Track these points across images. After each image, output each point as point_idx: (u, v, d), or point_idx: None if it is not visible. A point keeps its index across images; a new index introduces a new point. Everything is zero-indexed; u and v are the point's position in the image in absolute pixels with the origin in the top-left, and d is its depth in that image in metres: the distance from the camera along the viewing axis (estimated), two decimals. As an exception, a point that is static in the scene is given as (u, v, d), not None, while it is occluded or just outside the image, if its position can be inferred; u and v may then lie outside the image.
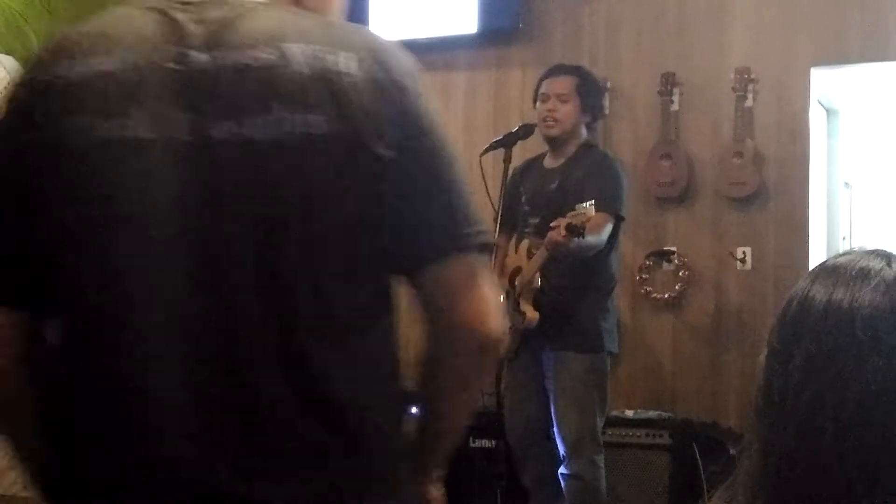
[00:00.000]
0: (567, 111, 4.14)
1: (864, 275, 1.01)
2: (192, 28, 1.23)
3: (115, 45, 1.25)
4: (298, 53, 1.21)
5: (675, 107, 5.03)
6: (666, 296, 5.06)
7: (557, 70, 4.28)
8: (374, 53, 1.25)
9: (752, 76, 4.88)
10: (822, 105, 5.41)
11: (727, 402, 4.89)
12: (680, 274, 5.03)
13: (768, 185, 4.90)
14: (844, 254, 1.06)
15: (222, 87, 1.20)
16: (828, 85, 5.15)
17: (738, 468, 1.04)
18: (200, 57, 1.21)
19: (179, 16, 1.25)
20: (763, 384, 1.02)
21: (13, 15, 5.77)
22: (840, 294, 1.00)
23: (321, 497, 1.21)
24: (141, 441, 1.20)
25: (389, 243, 1.24)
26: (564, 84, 4.17)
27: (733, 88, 4.89)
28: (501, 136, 4.09)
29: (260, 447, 1.20)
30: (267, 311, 1.19)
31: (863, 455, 0.95)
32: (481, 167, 4.00)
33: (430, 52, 5.58)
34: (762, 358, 1.04)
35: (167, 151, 1.19)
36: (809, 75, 4.86)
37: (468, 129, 5.48)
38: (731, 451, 4.30)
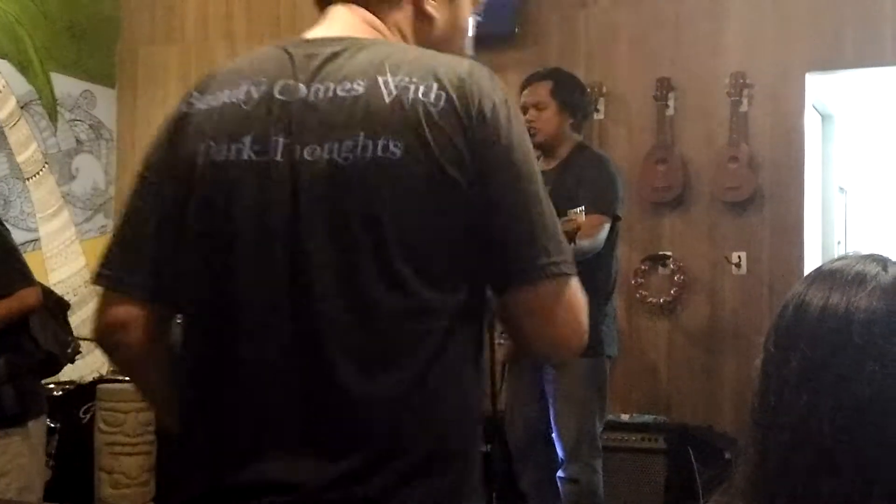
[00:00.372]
0: (546, 118, 4.14)
1: (860, 279, 1.01)
2: (303, 63, 1.40)
3: (244, 80, 1.42)
4: (389, 85, 1.34)
5: (670, 111, 5.04)
6: (661, 300, 5.06)
7: (532, 78, 4.26)
8: (462, 83, 1.34)
9: (748, 81, 4.89)
10: (816, 110, 5.42)
11: (722, 407, 4.90)
12: (675, 278, 5.04)
13: (763, 189, 4.91)
14: (840, 258, 1.07)
15: (317, 116, 1.35)
16: (823, 90, 5.17)
17: (735, 472, 1.04)
18: (303, 88, 1.37)
19: (297, 52, 1.42)
20: (759, 389, 1.02)
21: (8, 19, 5.76)
22: (836, 298, 1.00)
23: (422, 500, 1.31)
24: (243, 431, 1.36)
25: (473, 266, 1.34)
26: (539, 91, 4.17)
27: (728, 93, 4.90)
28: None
29: (344, 445, 1.30)
30: (349, 320, 1.31)
31: (859, 459, 0.95)
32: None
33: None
34: (758, 362, 1.04)
35: (268, 172, 1.35)
36: (804, 80, 4.87)
37: (464, 134, 5.49)
38: (727, 456, 4.30)
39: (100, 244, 6.29)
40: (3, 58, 5.72)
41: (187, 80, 6.30)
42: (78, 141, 6.21)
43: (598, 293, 3.98)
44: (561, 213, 3.72)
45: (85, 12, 6.26)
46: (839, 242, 6.06)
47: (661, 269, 5.09)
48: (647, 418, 4.67)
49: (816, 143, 5.45)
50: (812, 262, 4.98)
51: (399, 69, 1.35)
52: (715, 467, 4.34)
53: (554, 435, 4.03)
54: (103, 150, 6.38)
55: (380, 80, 1.34)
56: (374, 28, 1.47)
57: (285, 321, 1.33)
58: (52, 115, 6.02)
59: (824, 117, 5.70)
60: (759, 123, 4.92)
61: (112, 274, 1.46)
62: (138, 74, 6.43)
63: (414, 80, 1.33)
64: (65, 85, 6.10)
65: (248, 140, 1.36)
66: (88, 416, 4.65)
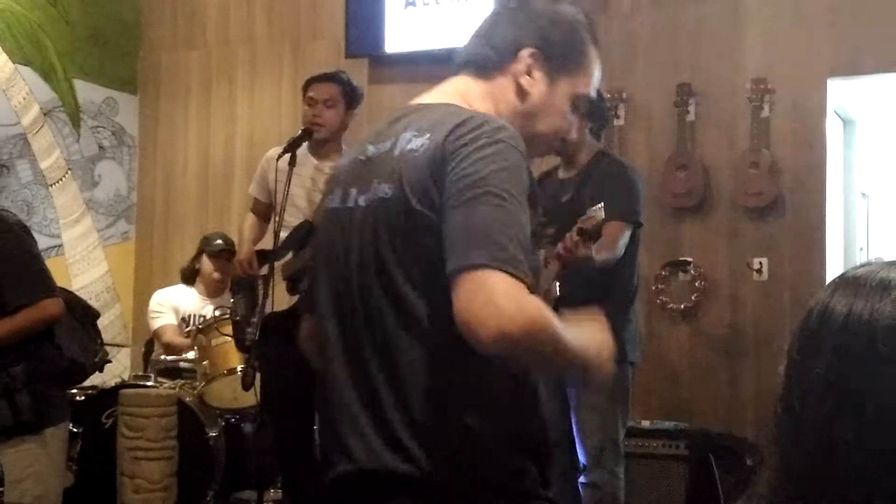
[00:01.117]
0: None
1: (884, 286, 1.00)
2: (380, 128, 1.77)
3: (354, 147, 1.83)
4: (401, 140, 1.67)
5: (690, 117, 5.03)
6: (682, 306, 5.05)
7: None
8: (450, 131, 1.59)
9: (769, 86, 4.88)
10: (838, 115, 5.40)
11: (744, 413, 4.88)
12: (696, 284, 5.03)
13: (784, 195, 4.89)
14: (864, 265, 1.06)
15: (365, 171, 1.71)
16: (844, 95, 5.15)
17: (759, 479, 1.04)
18: (369, 149, 1.74)
19: (387, 120, 1.78)
20: (783, 395, 1.02)
21: (31, 26, 5.81)
22: (860, 305, 0.99)
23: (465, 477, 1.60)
24: (330, 422, 1.73)
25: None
26: None
27: (749, 99, 4.89)
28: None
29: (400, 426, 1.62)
30: (385, 328, 1.64)
31: (882, 467, 0.95)
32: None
33: (445, 62, 5.59)
34: (782, 369, 1.03)
35: (339, 215, 1.75)
36: (826, 85, 4.86)
37: (484, 140, 5.49)
38: (748, 462, 4.28)
39: (122, 250, 6.34)
40: (26, 65, 5.76)
41: (208, 85, 6.33)
42: (100, 147, 6.25)
43: (620, 300, 3.97)
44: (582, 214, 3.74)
45: (107, 19, 6.30)
46: (861, 248, 6.03)
47: (681, 276, 5.07)
48: (669, 424, 4.65)
49: (838, 149, 5.42)
50: (834, 267, 4.96)
51: (415, 126, 1.67)
52: (736, 474, 4.33)
53: (577, 441, 4.03)
54: (125, 157, 6.42)
55: (400, 137, 1.67)
56: (464, 95, 1.76)
57: (348, 337, 1.71)
58: (75, 122, 6.06)
59: (846, 122, 5.67)
60: (781, 129, 4.90)
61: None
62: (160, 81, 6.47)
63: (418, 133, 1.64)
64: (87, 92, 6.14)
65: (338, 192, 1.76)
66: (111, 421, 4.67)
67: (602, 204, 3.64)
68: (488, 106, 1.74)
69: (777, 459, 1.02)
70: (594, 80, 1.84)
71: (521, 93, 1.76)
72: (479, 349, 1.45)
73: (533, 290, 1.50)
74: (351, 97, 4.48)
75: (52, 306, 3.34)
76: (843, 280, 1.04)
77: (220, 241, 5.43)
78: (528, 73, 1.75)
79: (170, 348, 5.31)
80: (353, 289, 1.67)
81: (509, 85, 1.76)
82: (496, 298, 1.44)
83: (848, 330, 0.99)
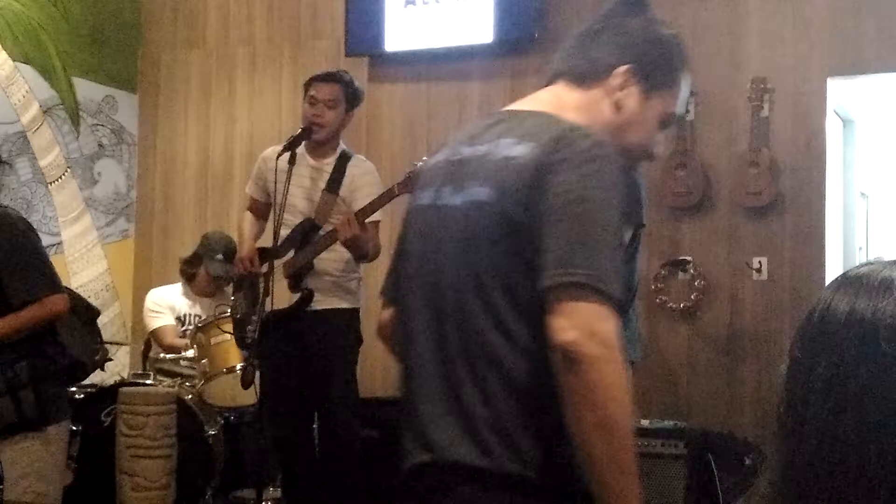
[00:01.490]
0: None
1: (886, 285, 1.00)
2: (474, 130, 1.84)
3: (445, 146, 1.89)
4: (500, 145, 1.73)
5: (690, 116, 5.03)
6: (681, 305, 5.05)
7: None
8: (551, 142, 1.66)
9: (768, 86, 4.88)
10: (838, 115, 5.40)
11: (743, 412, 4.88)
12: (695, 283, 5.03)
13: (784, 194, 4.89)
14: (866, 264, 1.06)
15: (459, 172, 1.78)
16: (844, 95, 5.15)
17: (761, 479, 1.04)
18: (464, 150, 1.80)
19: (480, 123, 1.85)
20: (785, 395, 1.02)
21: (32, 24, 5.81)
22: (862, 304, 0.99)
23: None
24: (411, 411, 1.77)
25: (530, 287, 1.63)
26: None
27: (749, 98, 4.89)
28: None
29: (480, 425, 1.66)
30: (473, 323, 1.69)
31: (885, 466, 0.95)
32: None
33: (445, 61, 5.60)
34: (783, 368, 1.04)
35: (430, 212, 1.81)
36: (826, 85, 4.86)
37: (484, 139, 5.49)
38: (747, 462, 4.29)
39: (121, 248, 6.34)
40: (26, 63, 5.76)
41: (208, 84, 6.33)
42: (100, 145, 6.24)
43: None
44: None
45: (107, 18, 6.30)
46: (861, 248, 6.03)
47: (681, 275, 5.08)
48: (668, 424, 4.65)
49: (838, 148, 5.42)
50: (833, 267, 4.96)
51: (515, 133, 1.73)
52: (735, 473, 4.33)
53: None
54: (125, 155, 6.42)
55: (500, 142, 1.74)
56: (559, 105, 1.82)
57: (432, 327, 1.76)
58: (75, 120, 6.06)
59: (845, 122, 5.67)
60: (780, 128, 4.90)
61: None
62: (160, 79, 6.47)
63: (518, 140, 1.70)
64: (87, 90, 6.14)
65: (430, 189, 1.83)
66: (110, 419, 4.67)
67: None
68: (582, 117, 1.79)
69: (779, 458, 1.02)
70: (682, 99, 1.94)
71: (616, 107, 1.84)
72: (556, 362, 1.55)
73: (624, 304, 1.60)
74: (352, 98, 4.48)
75: (57, 303, 3.34)
76: (844, 279, 1.04)
77: (220, 257, 5.36)
78: (623, 89, 1.84)
79: (171, 350, 5.30)
80: (442, 287, 1.74)
81: (604, 98, 1.85)
82: (588, 322, 1.54)
83: (850, 329, 0.99)
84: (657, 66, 1.88)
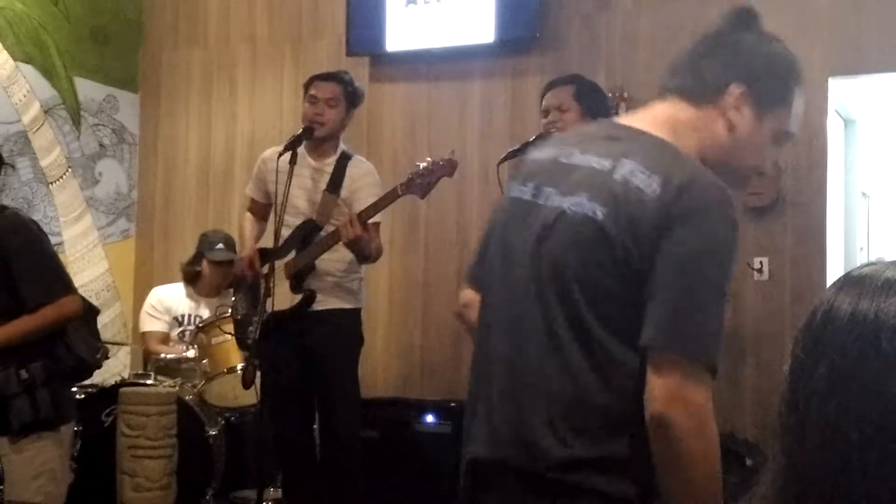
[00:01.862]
0: (568, 120, 4.15)
1: (889, 285, 1.00)
2: (588, 139, 1.86)
3: (553, 145, 1.93)
4: (625, 167, 1.72)
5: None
6: (682, 306, 5.04)
7: (554, 83, 4.28)
8: (676, 189, 1.67)
9: (770, 86, 4.87)
10: (839, 115, 5.40)
11: (743, 413, 4.88)
12: (696, 284, 5.01)
13: (785, 194, 4.89)
14: (869, 265, 1.06)
15: (568, 176, 1.79)
16: (845, 95, 5.14)
17: (762, 479, 1.04)
18: (576, 155, 1.82)
19: (595, 132, 1.91)
20: (787, 394, 1.02)
21: (33, 24, 5.81)
22: (865, 305, 0.99)
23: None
24: (484, 405, 1.83)
25: (623, 319, 1.68)
26: (562, 94, 4.18)
27: (750, 98, 4.87)
28: (518, 146, 4.10)
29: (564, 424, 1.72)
30: (563, 325, 1.73)
31: (887, 467, 0.94)
32: (498, 176, 4.00)
33: (446, 61, 5.60)
34: (786, 368, 1.03)
35: (530, 209, 1.83)
36: (827, 85, 4.85)
37: (485, 138, 5.49)
38: (748, 462, 4.28)
39: (122, 248, 6.34)
40: (27, 62, 5.76)
41: (209, 84, 6.33)
42: (101, 145, 6.24)
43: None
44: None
45: (108, 17, 6.30)
46: (862, 248, 6.03)
47: (682, 275, 5.06)
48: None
49: (839, 148, 5.42)
50: (834, 267, 4.95)
51: (639, 158, 1.73)
52: (736, 474, 4.32)
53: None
54: (126, 155, 6.42)
55: (621, 161, 1.73)
56: (674, 126, 1.84)
57: (517, 325, 1.80)
58: (76, 120, 6.06)
59: (847, 122, 5.67)
60: (782, 128, 4.89)
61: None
62: (161, 79, 6.47)
63: (645, 170, 1.70)
64: (88, 89, 6.14)
65: (531, 185, 1.86)
66: (110, 419, 4.67)
67: None
68: (696, 138, 1.84)
69: (781, 459, 1.02)
70: (796, 116, 1.96)
71: (729, 126, 1.85)
72: (649, 424, 1.62)
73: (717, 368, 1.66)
74: (353, 98, 4.48)
75: (71, 303, 3.35)
76: (847, 279, 1.04)
77: (221, 246, 5.40)
78: (737, 108, 1.84)
79: (149, 354, 5.32)
80: (528, 285, 1.78)
81: (718, 117, 1.85)
82: (674, 391, 1.61)
83: (853, 330, 0.99)
84: (770, 84, 1.88)
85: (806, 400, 0.99)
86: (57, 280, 3.35)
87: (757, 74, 1.86)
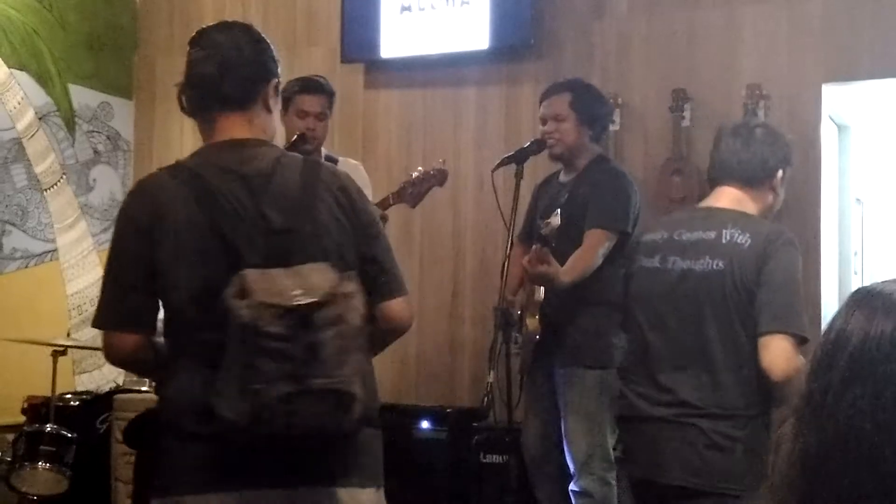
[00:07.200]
0: (566, 129, 4.16)
1: None
2: (684, 222, 2.98)
3: (662, 228, 3.04)
4: (727, 233, 2.80)
5: (686, 122, 5.03)
6: (677, 311, 5.04)
7: (551, 90, 4.28)
8: (765, 238, 2.78)
9: (764, 92, 4.88)
10: (833, 121, 5.41)
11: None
12: (691, 289, 5.01)
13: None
14: (885, 283, 1.09)
15: (691, 247, 2.86)
16: (839, 101, 5.15)
17: (772, 473, 1.06)
18: (684, 234, 2.90)
19: (687, 216, 3.06)
20: (805, 389, 1.05)
21: (27, 31, 5.81)
22: (881, 318, 1.03)
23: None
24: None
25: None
26: (558, 103, 4.19)
27: (744, 104, 4.88)
28: (513, 152, 4.10)
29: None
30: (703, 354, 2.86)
31: None
32: (493, 183, 4.00)
33: (441, 67, 5.60)
34: (805, 365, 1.08)
35: (659, 273, 2.93)
36: (821, 91, 4.86)
37: (479, 145, 5.49)
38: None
39: (117, 255, 6.32)
40: (21, 69, 5.76)
41: (204, 91, 6.32)
42: (95, 152, 6.24)
43: (606, 305, 3.92)
44: (574, 226, 3.75)
45: (103, 24, 6.30)
46: (855, 253, 6.03)
47: (676, 281, 5.07)
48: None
49: (833, 154, 5.43)
50: (828, 273, 4.96)
51: (732, 224, 2.82)
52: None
53: (565, 447, 4.02)
54: (121, 161, 6.42)
55: (723, 230, 2.81)
56: (742, 203, 2.92)
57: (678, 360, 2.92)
58: (70, 127, 6.05)
59: (841, 128, 5.68)
60: (776, 134, 4.89)
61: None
62: (156, 85, 6.47)
63: (739, 231, 2.80)
64: (83, 96, 6.14)
65: (669, 257, 2.90)
66: (105, 426, 4.66)
67: (559, 210, 3.66)
68: (756, 207, 2.93)
69: (794, 449, 1.03)
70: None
71: (775, 195, 3.01)
72: (772, 378, 2.70)
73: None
74: (333, 105, 4.42)
75: None
76: (862, 295, 1.08)
77: None
78: (781, 183, 2.98)
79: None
80: (673, 322, 2.88)
81: (767, 193, 2.98)
82: (790, 356, 2.70)
83: (867, 346, 1.02)
84: (791, 161, 3.01)
85: (822, 392, 1.02)
86: None
87: (789, 160, 3.03)
